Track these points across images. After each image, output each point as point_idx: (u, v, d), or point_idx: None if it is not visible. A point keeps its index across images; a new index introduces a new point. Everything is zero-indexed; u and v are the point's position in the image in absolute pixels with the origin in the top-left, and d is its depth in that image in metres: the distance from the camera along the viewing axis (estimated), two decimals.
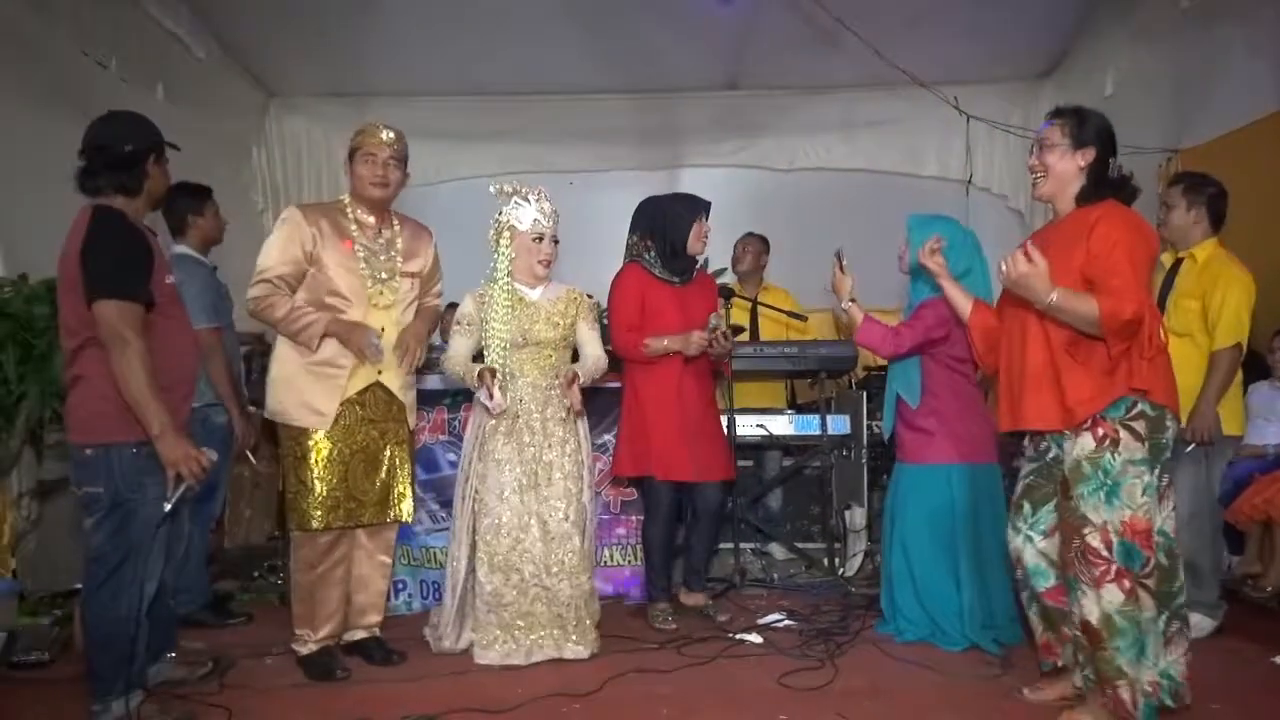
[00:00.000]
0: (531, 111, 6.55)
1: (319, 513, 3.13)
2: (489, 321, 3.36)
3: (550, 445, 3.36)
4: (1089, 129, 2.68)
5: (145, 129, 2.74)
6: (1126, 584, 2.51)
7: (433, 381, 4.17)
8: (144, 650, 2.74)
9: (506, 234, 3.42)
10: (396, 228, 3.33)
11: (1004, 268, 2.58)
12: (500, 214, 3.45)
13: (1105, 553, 2.54)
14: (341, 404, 3.16)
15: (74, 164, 2.67)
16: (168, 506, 2.60)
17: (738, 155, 6.87)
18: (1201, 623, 3.48)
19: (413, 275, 3.31)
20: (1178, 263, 3.64)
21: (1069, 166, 2.70)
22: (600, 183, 6.47)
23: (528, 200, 3.41)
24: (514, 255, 3.42)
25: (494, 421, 3.35)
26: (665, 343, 3.63)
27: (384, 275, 3.22)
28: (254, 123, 6.48)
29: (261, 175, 6.53)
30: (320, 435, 3.14)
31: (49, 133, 3.88)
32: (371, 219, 3.27)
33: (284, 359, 3.18)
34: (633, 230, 3.84)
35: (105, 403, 2.56)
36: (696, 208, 3.77)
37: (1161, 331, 2.60)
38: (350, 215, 3.24)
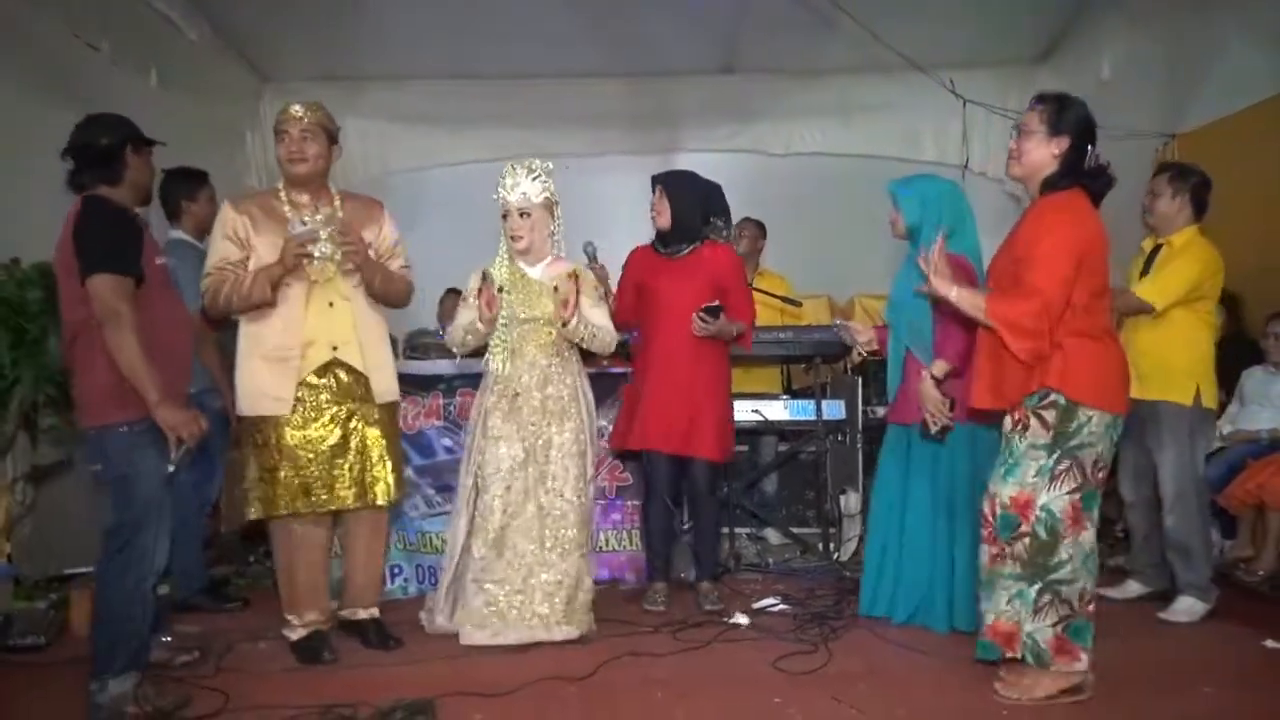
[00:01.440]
0: (525, 96, 6.49)
1: (284, 499, 3.11)
2: None
3: (550, 423, 3.36)
4: (1067, 117, 2.71)
5: (120, 124, 2.88)
6: (994, 550, 2.76)
7: (429, 366, 4.16)
8: (149, 632, 2.82)
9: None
10: (337, 204, 3.26)
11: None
12: None
13: (991, 520, 2.77)
14: (302, 387, 3.13)
15: (64, 147, 2.82)
16: (171, 469, 2.75)
17: (733, 140, 6.83)
18: (1194, 606, 3.50)
19: None
20: (1157, 249, 3.68)
21: (1043, 154, 2.73)
22: (594, 167, 6.40)
23: (505, 176, 3.41)
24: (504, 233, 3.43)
25: (494, 399, 3.36)
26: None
27: (325, 250, 3.16)
28: (248, 108, 6.40)
29: (256, 161, 6.44)
30: (281, 421, 3.12)
31: (40, 116, 3.86)
32: (305, 198, 3.22)
33: (243, 352, 3.17)
34: None
35: (97, 385, 2.72)
36: (654, 181, 3.80)
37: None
38: (284, 198, 3.21)
